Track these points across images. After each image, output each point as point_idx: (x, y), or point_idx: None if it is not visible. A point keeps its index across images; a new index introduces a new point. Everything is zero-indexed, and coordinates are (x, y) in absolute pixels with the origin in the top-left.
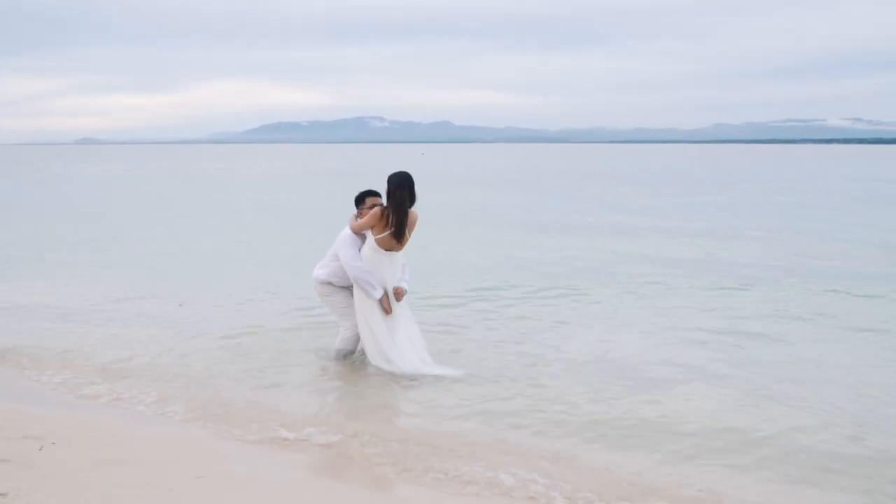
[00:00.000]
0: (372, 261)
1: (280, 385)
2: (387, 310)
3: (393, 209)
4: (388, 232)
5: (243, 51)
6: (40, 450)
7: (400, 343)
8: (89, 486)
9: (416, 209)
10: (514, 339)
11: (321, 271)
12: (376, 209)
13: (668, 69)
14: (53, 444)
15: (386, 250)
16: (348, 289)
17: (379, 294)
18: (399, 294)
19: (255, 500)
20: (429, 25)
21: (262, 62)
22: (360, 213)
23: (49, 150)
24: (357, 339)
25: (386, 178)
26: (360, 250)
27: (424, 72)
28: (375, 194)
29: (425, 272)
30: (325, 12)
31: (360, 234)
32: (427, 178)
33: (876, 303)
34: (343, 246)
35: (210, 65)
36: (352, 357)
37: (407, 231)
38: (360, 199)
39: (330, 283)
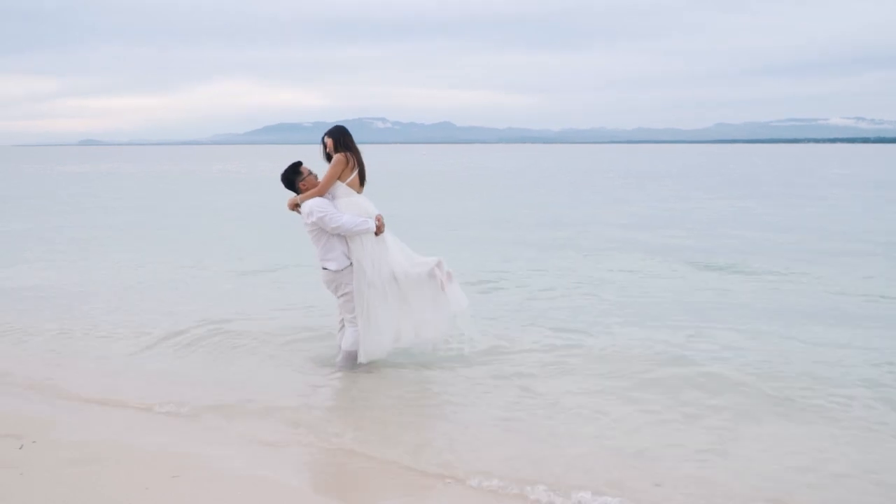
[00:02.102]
0: (350, 205)
1: (271, 381)
2: (381, 228)
3: (353, 152)
4: (355, 173)
5: (245, 51)
6: (20, 448)
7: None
8: (67, 484)
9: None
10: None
11: (331, 263)
12: (339, 156)
13: (669, 68)
14: (34, 442)
15: (357, 193)
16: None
17: (373, 225)
18: (380, 220)
19: (231, 499)
20: (430, 25)
21: (265, 63)
22: (304, 185)
23: (53, 152)
24: None
25: (327, 133)
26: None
27: (426, 72)
28: (300, 164)
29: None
30: (327, 13)
31: (327, 194)
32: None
33: None
34: (325, 214)
35: (212, 66)
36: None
37: None
38: (294, 174)
39: (349, 266)
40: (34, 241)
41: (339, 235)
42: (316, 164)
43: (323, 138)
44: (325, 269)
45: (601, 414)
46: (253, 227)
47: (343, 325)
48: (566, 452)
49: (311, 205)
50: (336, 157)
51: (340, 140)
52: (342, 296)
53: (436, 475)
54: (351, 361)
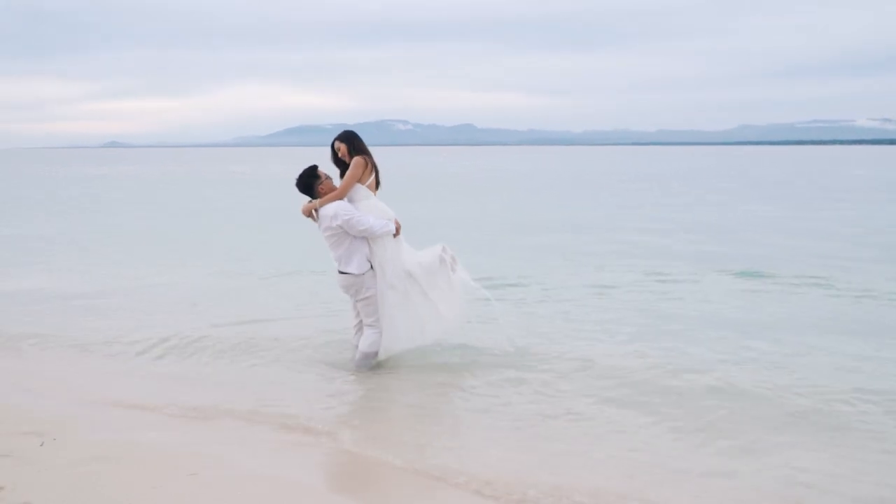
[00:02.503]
0: (370, 207)
1: (286, 382)
2: (399, 230)
3: (368, 155)
4: (373, 176)
5: (267, 54)
6: (41, 445)
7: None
8: (86, 480)
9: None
10: None
11: (353, 267)
12: (359, 158)
13: (691, 69)
14: (55, 440)
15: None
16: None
17: (393, 227)
18: (397, 222)
19: (250, 498)
20: (450, 27)
21: (286, 65)
22: (322, 189)
23: (78, 154)
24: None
25: (339, 138)
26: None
27: (447, 74)
28: (317, 168)
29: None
30: (349, 15)
31: (345, 196)
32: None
33: None
34: (351, 217)
35: (235, 68)
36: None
37: None
38: (313, 178)
39: (370, 269)
40: (55, 245)
41: (361, 238)
42: (328, 166)
43: (333, 143)
44: (344, 273)
45: (616, 424)
46: (261, 230)
47: (359, 328)
48: (576, 462)
49: (336, 208)
50: (356, 159)
51: (353, 144)
52: (363, 299)
53: (445, 479)
54: (368, 363)
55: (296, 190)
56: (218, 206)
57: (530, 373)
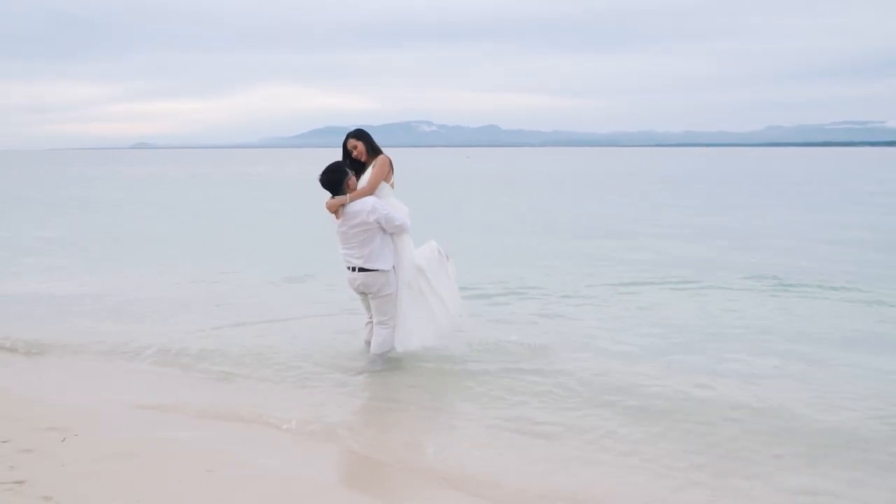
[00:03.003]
0: (393, 204)
1: (297, 382)
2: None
3: (387, 156)
4: (393, 174)
5: (293, 56)
6: (63, 441)
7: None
8: (106, 475)
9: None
10: None
11: (381, 263)
12: (384, 157)
13: (717, 70)
14: (76, 435)
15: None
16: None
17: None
18: None
19: (266, 495)
20: (474, 28)
21: (312, 67)
22: (350, 183)
23: (110, 154)
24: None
25: (353, 136)
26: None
27: (471, 75)
28: (344, 163)
29: None
30: (373, 17)
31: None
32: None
33: None
34: (388, 212)
35: (262, 70)
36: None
37: None
38: (340, 173)
39: (393, 267)
40: (60, 246)
41: (389, 235)
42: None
43: (346, 142)
44: (371, 269)
45: (624, 434)
46: (275, 232)
47: (371, 326)
48: (581, 469)
49: (373, 203)
50: (382, 158)
51: (370, 142)
52: (384, 296)
53: (447, 481)
54: (380, 362)
55: (317, 187)
56: (230, 206)
57: (541, 377)
